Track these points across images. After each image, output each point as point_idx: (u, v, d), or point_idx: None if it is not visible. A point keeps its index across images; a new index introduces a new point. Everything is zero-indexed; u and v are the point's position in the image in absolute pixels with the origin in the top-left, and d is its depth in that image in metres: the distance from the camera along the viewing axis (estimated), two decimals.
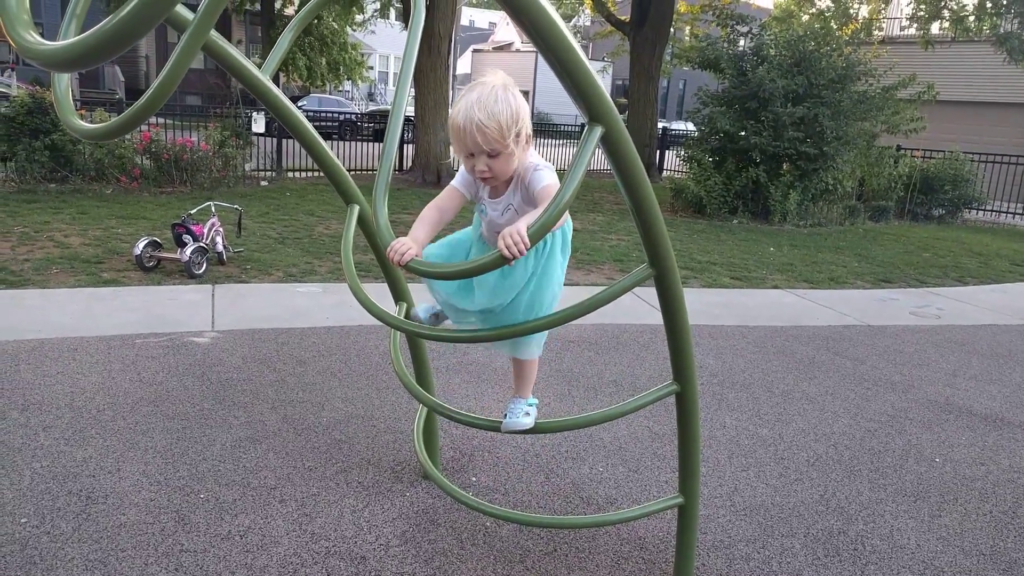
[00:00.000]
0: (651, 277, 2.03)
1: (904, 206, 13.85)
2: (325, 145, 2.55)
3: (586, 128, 1.62)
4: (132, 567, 2.50)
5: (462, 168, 2.13)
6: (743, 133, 11.59)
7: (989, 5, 16.94)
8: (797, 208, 11.64)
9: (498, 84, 1.89)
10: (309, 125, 2.44)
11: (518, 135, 1.89)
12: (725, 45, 13.16)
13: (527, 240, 1.59)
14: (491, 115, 1.84)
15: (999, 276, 9.09)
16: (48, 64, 1.00)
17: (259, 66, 2.30)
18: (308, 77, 27.27)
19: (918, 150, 14.61)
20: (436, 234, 2.11)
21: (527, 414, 2.37)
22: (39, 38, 1.03)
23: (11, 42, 1.04)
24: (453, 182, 2.13)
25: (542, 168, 1.99)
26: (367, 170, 14.09)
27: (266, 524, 2.80)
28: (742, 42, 13.72)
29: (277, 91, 2.29)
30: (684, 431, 2.44)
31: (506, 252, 1.59)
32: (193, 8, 1.38)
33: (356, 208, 2.55)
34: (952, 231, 12.99)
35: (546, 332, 2.24)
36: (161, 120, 11.53)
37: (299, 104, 23.75)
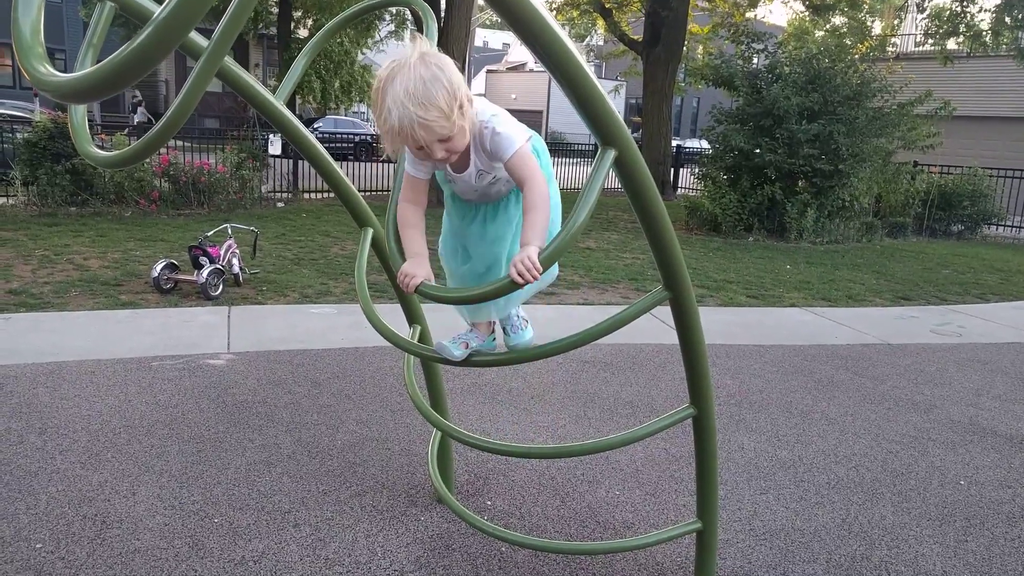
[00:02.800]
0: (667, 300, 2.01)
1: (922, 222, 13.74)
2: (339, 169, 2.56)
3: (599, 151, 1.61)
4: None
5: (406, 151, 1.87)
6: (758, 150, 11.56)
7: (1008, 20, 16.85)
8: (813, 225, 11.57)
9: (416, 62, 1.63)
10: (323, 149, 2.45)
11: (461, 107, 1.66)
12: (739, 63, 13.17)
13: (539, 266, 1.59)
14: (428, 105, 1.60)
15: (1021, 293, 8.95)
16: (61, 96, 1.01)
17: (274, 90, 2.32)
18: (322, 99, 27.60)
19: (935, 166, 14.50)
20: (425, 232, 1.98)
21: (525, 323, 2.31)
22: (52, 69, 1.03)
23: (25, 73, 1.04)
24: (406, 167, 1.92)
25: (500, 127, 1.78)
26: (382, 191, 14.18)
27: (280, 549, 2.78)
28: (756, 59, 13.73)
29: (291, 116, 2.30)
30: (702, 455, 2.40)
31: (519, 280, 1.59)
32: (207, 34, 1.39)
33: (370, 232, 2.55)
34: (972, 247, 12.84)
35: (525, 292, 2.00)
36: (179, 143, 11.69)
37: (314, 126, 24.04)
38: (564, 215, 1.80)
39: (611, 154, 1.58)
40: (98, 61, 1.52)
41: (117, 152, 1.48)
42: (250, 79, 2.12)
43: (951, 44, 19.36)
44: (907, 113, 12.41)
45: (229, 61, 1.91)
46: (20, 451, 3.40)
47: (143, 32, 0.92)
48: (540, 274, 1.59)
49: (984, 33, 18.06)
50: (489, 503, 3.24)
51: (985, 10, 18.12)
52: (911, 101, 12.46)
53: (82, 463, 3.33)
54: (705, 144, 14.33)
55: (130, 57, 0.93)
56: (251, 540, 2.82)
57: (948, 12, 18.16)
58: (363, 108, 36.36)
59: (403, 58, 1.65)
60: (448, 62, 1.66)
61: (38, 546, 2.70)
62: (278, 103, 2.23)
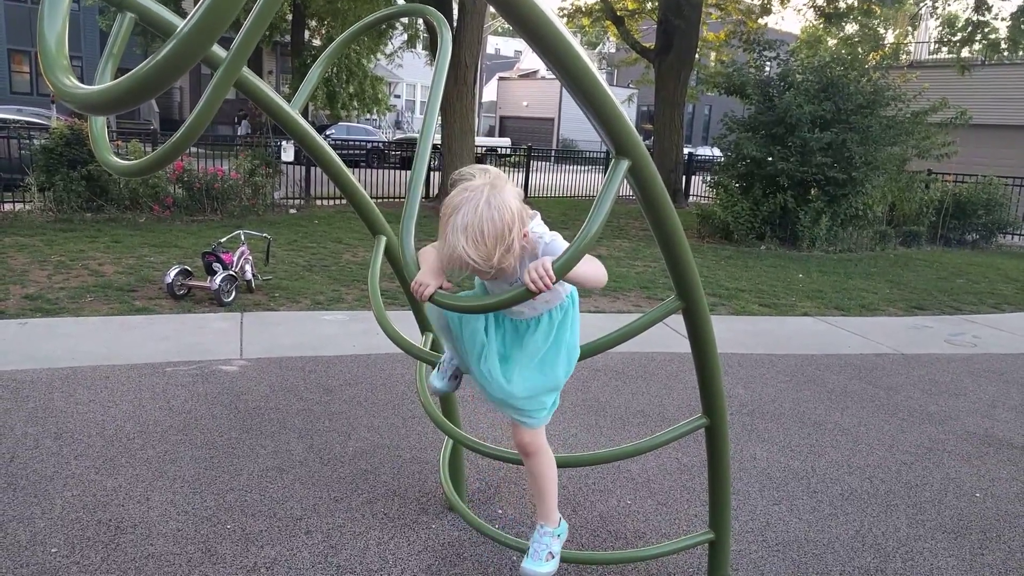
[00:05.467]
0: (680, 309, 2.00)
1: (936, 231, 13.63)
2: (352, 176, 2.57)
3: (613, 161, 1.62)
4: None
5: None
6: (770, 159, 11.52)
7: None
8: (826, 234, 11.51)
9: (482, 199, 1.71)
10: (336, 157, 2.47)
11: (508, 249, 1.75)
12: (752, 71, 13.14)
13: (552, 275, 1.59)
14: (479, 243, 1.70)
15: None
16: (84, 108, 1.02)
17: (288, 98, 2.34)
18: (329, 105, 27.68)
19: (949, 174, 14.39)
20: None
21: (551, 556, 2.17)
22: (76, 82, 1.05)
23: (49, 85, 1.06)
24: None
25: (552, 240, 1.85)
26: (395, 198, 14.24)
27: (292, 556, 2.79)
28: (768, 67, 13.70)
29: (306, 125, 2.32)
30: (714, 465, 2.39)
31: (532, 287, 1.60)
32: (225, 44, 1.41)
33: (383, 239, 2.56)
34: (986, 256, 12.74)
35: (552, 403, 2.11)
36: (193, 149, 11.77)
37: (327, 133, 24.14)
38: (576, 223, 1.80)
39: (625, 164, 1.58)
40: (117, 71, 1.54)
41: (136, 161, 1.50)
42: (266, 88, 2.14)
43: (965, 52, 19.24)
44: (921, 122, 12.34)
45: (245, 71, 1.92)
46: (36, 456, 3.43)
47: (168, 45, 0.93)
48: (553, 283, 1.60)
49: (1001, 41, 17.94)
50: (500, 511, 3.24)
51: (1002, 18, 18.05)
52: (925, 110, 12.39)
53: (96, 468, 3.36)
54: (717, 152, 14.29)
55: (154, 70, 0.95)
56: (263, 547, 2.83)
57: (962, 21, 18.06)
58: (373, 116, 36.49)
59: (474, 191, 1.74)
60: (511, 202, 1.74)
61: (53, 551, 2.72)
62: (293, 112, 2.25)
